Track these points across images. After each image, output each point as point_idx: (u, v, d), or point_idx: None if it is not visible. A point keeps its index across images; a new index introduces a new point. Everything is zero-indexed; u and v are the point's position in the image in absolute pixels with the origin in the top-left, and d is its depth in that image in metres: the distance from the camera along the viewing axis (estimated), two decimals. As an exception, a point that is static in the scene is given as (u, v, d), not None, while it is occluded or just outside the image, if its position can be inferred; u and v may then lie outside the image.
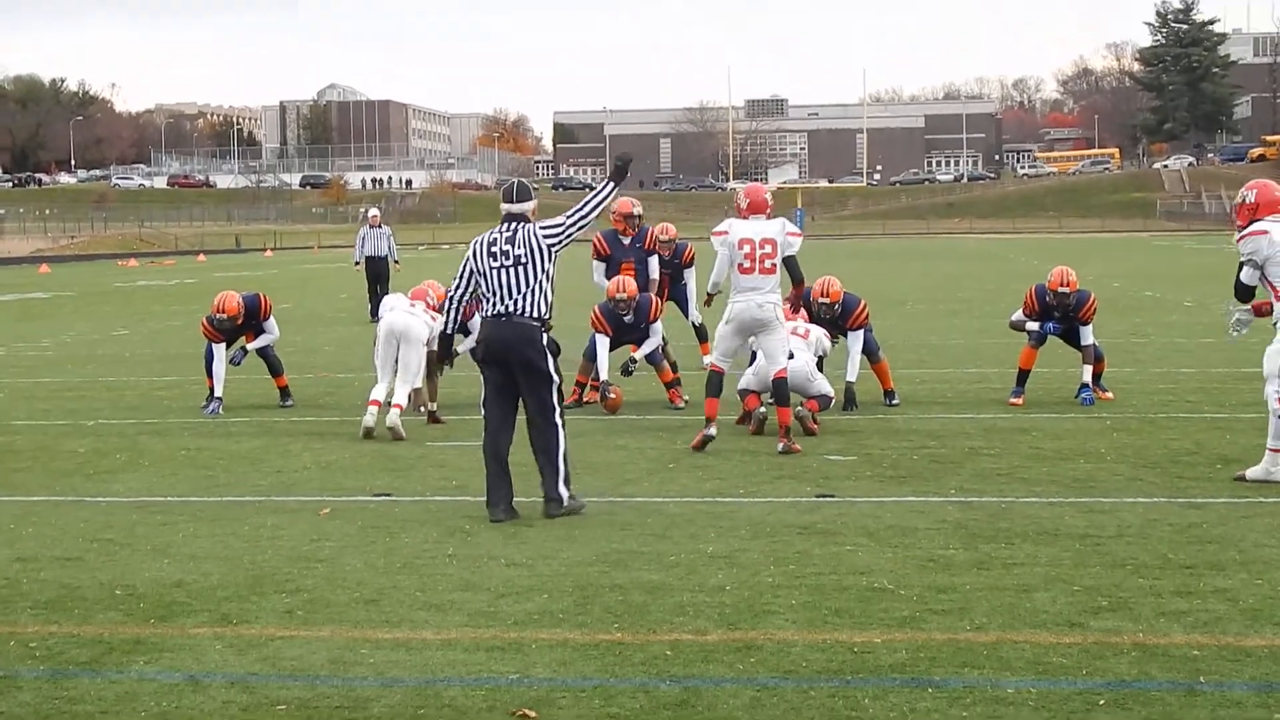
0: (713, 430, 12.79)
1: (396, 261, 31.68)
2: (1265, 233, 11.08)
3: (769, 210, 13.03)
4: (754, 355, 13.92)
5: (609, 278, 16.48)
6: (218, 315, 16.10)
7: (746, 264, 12.73)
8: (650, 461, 12.26)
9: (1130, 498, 10.46)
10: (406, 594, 8.00)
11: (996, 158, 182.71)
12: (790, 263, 13.04)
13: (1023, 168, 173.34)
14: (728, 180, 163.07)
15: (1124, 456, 12.17)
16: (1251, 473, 11.05)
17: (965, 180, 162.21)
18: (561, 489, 10.09)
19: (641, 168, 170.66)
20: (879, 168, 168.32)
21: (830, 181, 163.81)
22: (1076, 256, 58.15)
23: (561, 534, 9.49)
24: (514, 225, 10.28)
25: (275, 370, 16.66)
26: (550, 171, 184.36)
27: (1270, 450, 10.94)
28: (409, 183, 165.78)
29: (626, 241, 16.96)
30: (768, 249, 12.75)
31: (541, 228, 10.25)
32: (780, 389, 12.64)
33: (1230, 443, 12.82)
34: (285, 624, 7.44)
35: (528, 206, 10.36)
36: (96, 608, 7.85)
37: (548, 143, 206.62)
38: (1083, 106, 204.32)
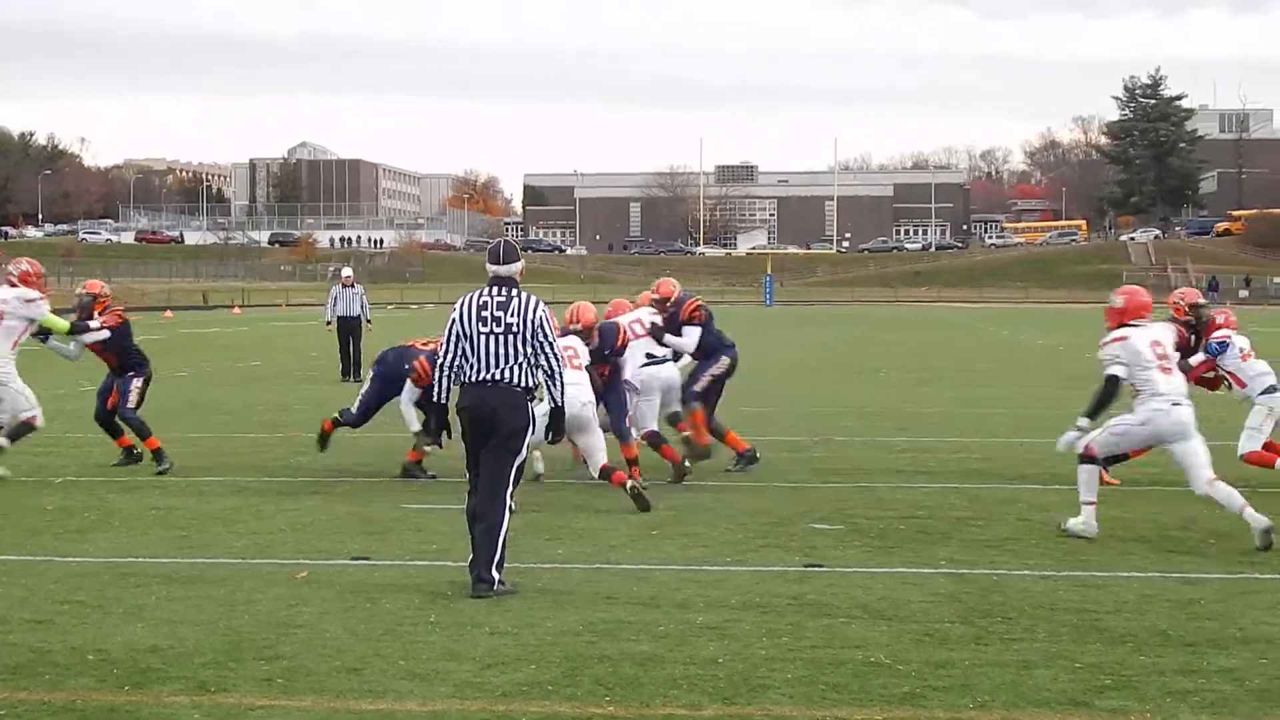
0: (687, 463, 14.25)
1: (369, 321, 31.48)
2: (1125, 338, 11.81)
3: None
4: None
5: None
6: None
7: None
8: (633, 528, 12.04)
9: (1124, 572, 10.28)
10: (389, 662, 7.75)
11: (964, 227, 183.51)
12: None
13: (990, 238, 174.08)
14: (697, 245, 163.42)
15: (1113, 530, 12.00)
16: (1071, 524, 11.73)
17: (933, 249, 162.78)
18: (494, 571, 9.52)
19: (611, 231, 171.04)
20: (848, 235, 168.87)
21: (808, 247, 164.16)
22: (1045, 327, 58.29)
23: (546, 601, 9.25)
24: (507, 290, 9.87)
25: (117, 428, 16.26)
26: (519, 233, 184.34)
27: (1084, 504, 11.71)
28: (378, 242, 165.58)
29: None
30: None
31: (541, 323, 9.83)
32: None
33: (1220, 517, 12.63)
34: (265, 692, 7.19)
35: (516, 268, 9.98)
36: (68, 673, 7.58)
37: (518, 204, 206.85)
38: (1050, 178, 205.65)
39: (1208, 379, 15.04)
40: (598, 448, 13.28)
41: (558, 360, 9.85)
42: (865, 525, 12.19)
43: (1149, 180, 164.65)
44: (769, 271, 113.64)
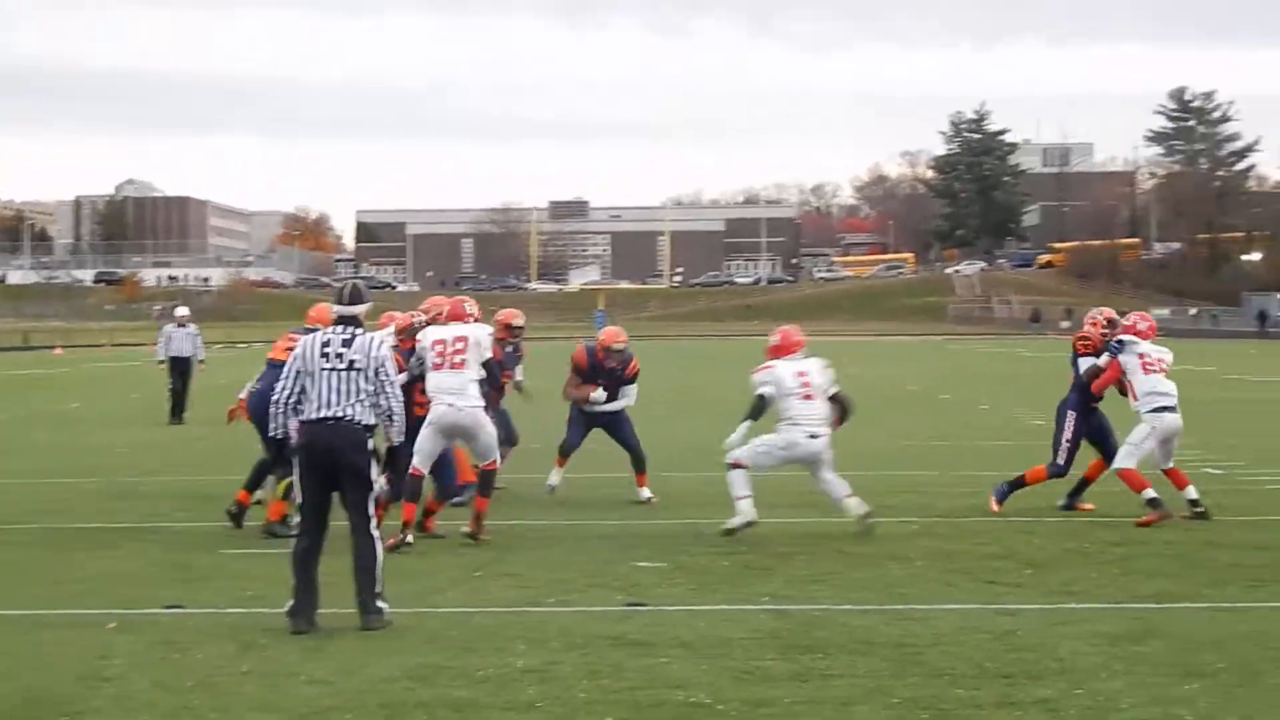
0: (409, 537, 12.84)
1: (201, 361, 30.82)
2: (772, 368, 13.85)
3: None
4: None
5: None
6: None
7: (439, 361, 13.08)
8: (457, 570, 11.89)
9: (943, 604, 10.36)
10: (199, 716, 7.55)
11: (795, 261, 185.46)
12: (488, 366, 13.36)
13: (820, 271, 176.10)
14: (529, 280, 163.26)
15: (934, 562, 12.11)
16: (730, 523, 13.23)
17: (764, 283, 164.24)
18: (379, 602, 9.72)
19: (444, 267, 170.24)
20: (680, 270, 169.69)
21: (644, 281, 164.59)
22: (872, 359, 58.97)
23: (365, 647, 9.08)
24: (350, 329, 10.02)
25: None
26: (352, 269, 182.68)
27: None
28: (206, 280, 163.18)
29: (509, 349, 16.79)
30: (459, 345, 13.08)
31: (384, 361, 9.97)
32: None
33: (1038, 547, 12.85)
34: (66, 750, 6.95)
35: (361, 309, 10.12)
36: None
37: (350, 241, 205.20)
38: (878, 212, 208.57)
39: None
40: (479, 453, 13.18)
41: (398, 401, 10.01)
42: (689, 562, 12.16)
43: (974, 213, 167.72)
44: (601, 307, 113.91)
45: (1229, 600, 10.49)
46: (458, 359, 13.00)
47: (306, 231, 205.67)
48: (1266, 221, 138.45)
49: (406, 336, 14.12)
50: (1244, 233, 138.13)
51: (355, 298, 10.12)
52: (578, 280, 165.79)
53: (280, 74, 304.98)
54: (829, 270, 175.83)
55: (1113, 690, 7.93)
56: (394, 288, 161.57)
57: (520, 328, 17.18)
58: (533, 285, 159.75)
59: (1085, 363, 15.13)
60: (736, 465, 13.49)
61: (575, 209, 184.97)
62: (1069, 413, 15.17)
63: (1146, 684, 8.07)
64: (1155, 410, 14.58)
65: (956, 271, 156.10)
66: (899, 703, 7.68)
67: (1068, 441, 15.03)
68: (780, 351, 14.04)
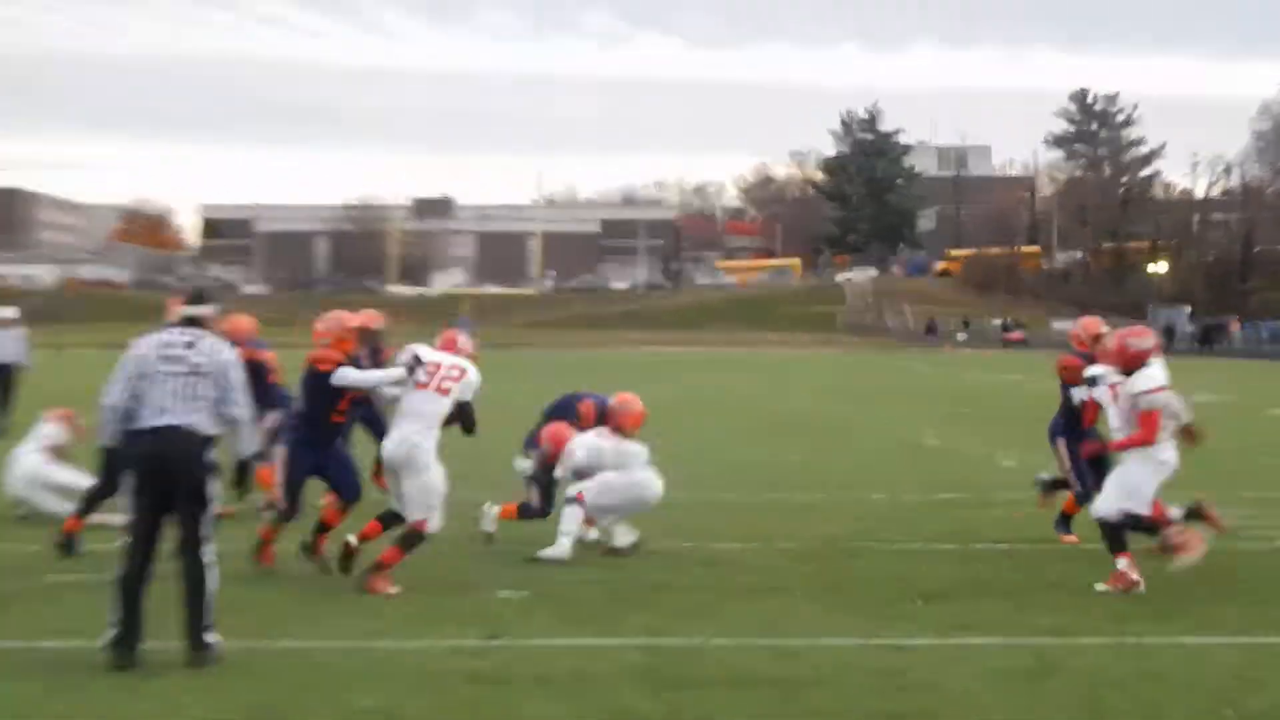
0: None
1: (27, 366, 30.15)
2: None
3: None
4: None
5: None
6: None
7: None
8: (299, 599, 11.66)
9: (827, 638, 10.30)
10: (2, 762, 7.29)
11: (675, 266, 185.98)
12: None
13: (702, 277, 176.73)
14: (388, 283, 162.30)
15: (816, 592, 12.05)
16: (545, 552, 13.38)
17: (642, 289, 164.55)
18: (209, 635, 9.47)
19: (296, 268, 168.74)
20: (552, 273, 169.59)
21: (518, 285, 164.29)
22: (755, 372, 59.20)
23: (193, 686, 8.83)
24: (194, 331, 9.92)
25: None
26: (195, 269, 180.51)
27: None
28: (34, 279, 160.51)
29: (363, 355, 16.31)
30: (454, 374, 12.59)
31: (229, 367, 9.85)
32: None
33: (928, 574, 12.84)
34: None
35: (208, 311, 10.10)
36: None
37: (193, 238, 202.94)
38: (764, 215, 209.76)
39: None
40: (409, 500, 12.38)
41: (244, 410, 9.88)
42: (555, 592, 12.01)
43: (865, 218, 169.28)
44: (464, 312, 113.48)
45: (1133, 634, 10.52)
46: (445, 384, 12.42)
47: (146, 227, 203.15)
48: (1172, 231, 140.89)
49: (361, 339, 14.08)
50: (1149, 242, 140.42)
51: (202, 298, 10.12)
52: (441, 283, 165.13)
53: (120, 57, 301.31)
54: (712, 276, 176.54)
55: (1008, 733, 7.89)
56: (238, 289, 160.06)
57: (379, 332, 17.11)
58: (392, 288, 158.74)
59: (1079, 394, 14.26)
60: (578, 500, 13.78)
61: (439, 207, 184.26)
62: (1058, 439, 14.81)
63: (1044, 726, 8.04)
64: None
65: (847, 279, 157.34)
66: (778, 747, 7.59)
67: (1069, 470, 14.69)
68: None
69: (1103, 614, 11.22)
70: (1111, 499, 12.38)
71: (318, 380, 12.65)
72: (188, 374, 9.70)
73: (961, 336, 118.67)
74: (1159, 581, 12.56)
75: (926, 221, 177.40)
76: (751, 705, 8.43)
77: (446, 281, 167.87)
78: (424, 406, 12.35)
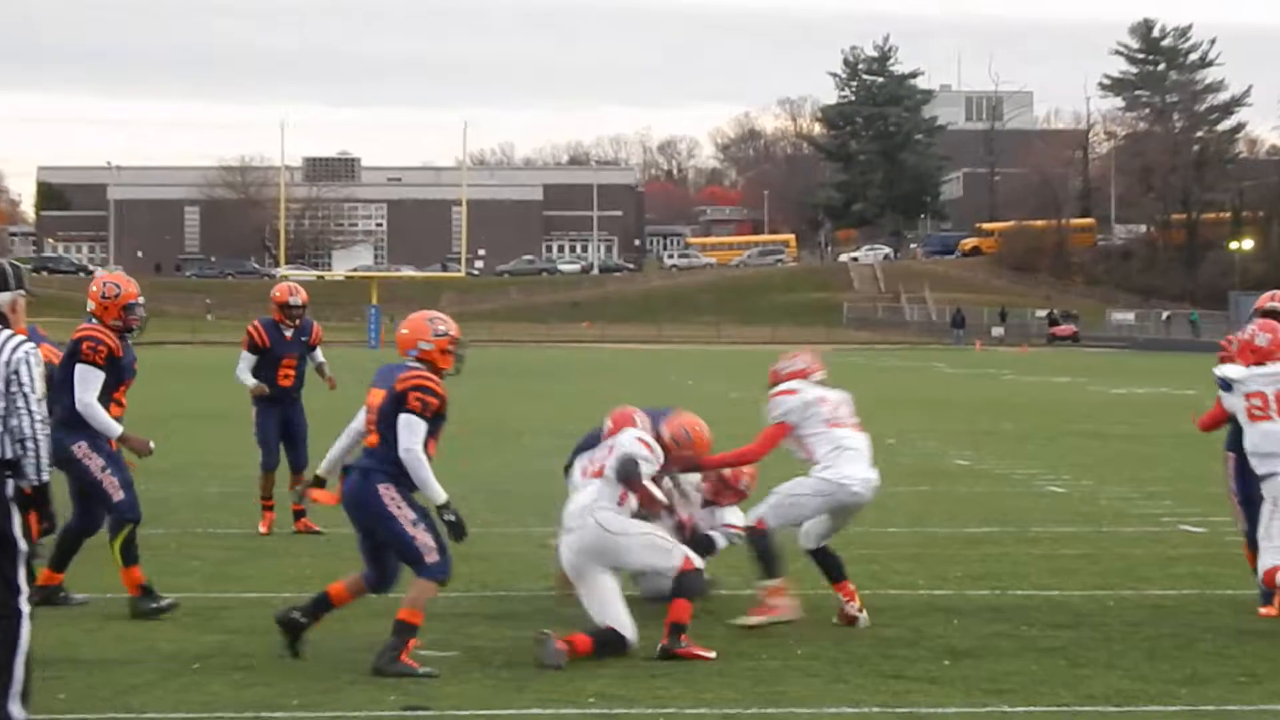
0: None
1: None
2: (794, 392, 13.61)
3: None
4: None
5: (261, 376, 18.72)
6: None
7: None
8: (165, 658, 11.69)
9: (832, 706, 10.38)
10: None
11: (638, 243, 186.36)
12: None
13: (671, 257, 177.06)
14: (278, 264, 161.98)
15: (821, 649, 12.13)
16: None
17: (596, 272, 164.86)
18: (13, 707, 9.28)
19: (160, 245, 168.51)
20: (482, 253, 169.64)
21: (443, 268, 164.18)
22: (740, 374, 59.33)
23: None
24: None
25: None
26: (32, 247, 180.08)
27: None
28: None
29: (289, 334, 18.86)
30: None
31: (19, 369, 9.46)
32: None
33: (959, 630, 12.92)
34: None
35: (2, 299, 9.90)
36: None
37: (29, 208, 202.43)
38: (749, 179, 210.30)
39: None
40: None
41: (38, 423, 9.44)
42: (489, 649, 12.06)
43: (876, 183, 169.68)
44: (375, 302, 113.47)
45: (1211, 702, 10.62)
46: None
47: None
48: (1260, 199, 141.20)
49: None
50: (1231, 213, 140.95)
51: None
52: (343, 265, 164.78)
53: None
54: (684, 255, 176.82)
55: (1058, 823, 7.97)
56: (90, 273, 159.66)
57: (301, 306, 18.92)
58: (281, 271, 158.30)
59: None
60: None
61: (340, 169, 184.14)
62: (1226, 454, 14.09)
63: (1102, 815, 8.12)
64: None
65: (854, 259, 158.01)
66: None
67: (1232, 493, 14.07)
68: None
69: (1175, 675, 11.30)
70: None
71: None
72: None
73: (997, 331, 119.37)
74: (1244, 634, 12.68)
75: (952, 187, 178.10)
76: (737, 790, 8.49)
77: (350, 262, 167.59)
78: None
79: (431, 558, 11.50)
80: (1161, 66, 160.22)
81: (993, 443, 30.94)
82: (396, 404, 11.72)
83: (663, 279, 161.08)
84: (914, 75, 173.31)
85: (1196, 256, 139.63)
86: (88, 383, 13.41)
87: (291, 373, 18.89)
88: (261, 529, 18.55)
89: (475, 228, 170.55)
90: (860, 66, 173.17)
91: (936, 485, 23.47)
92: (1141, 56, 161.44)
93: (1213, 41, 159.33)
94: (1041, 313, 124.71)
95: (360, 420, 12.58)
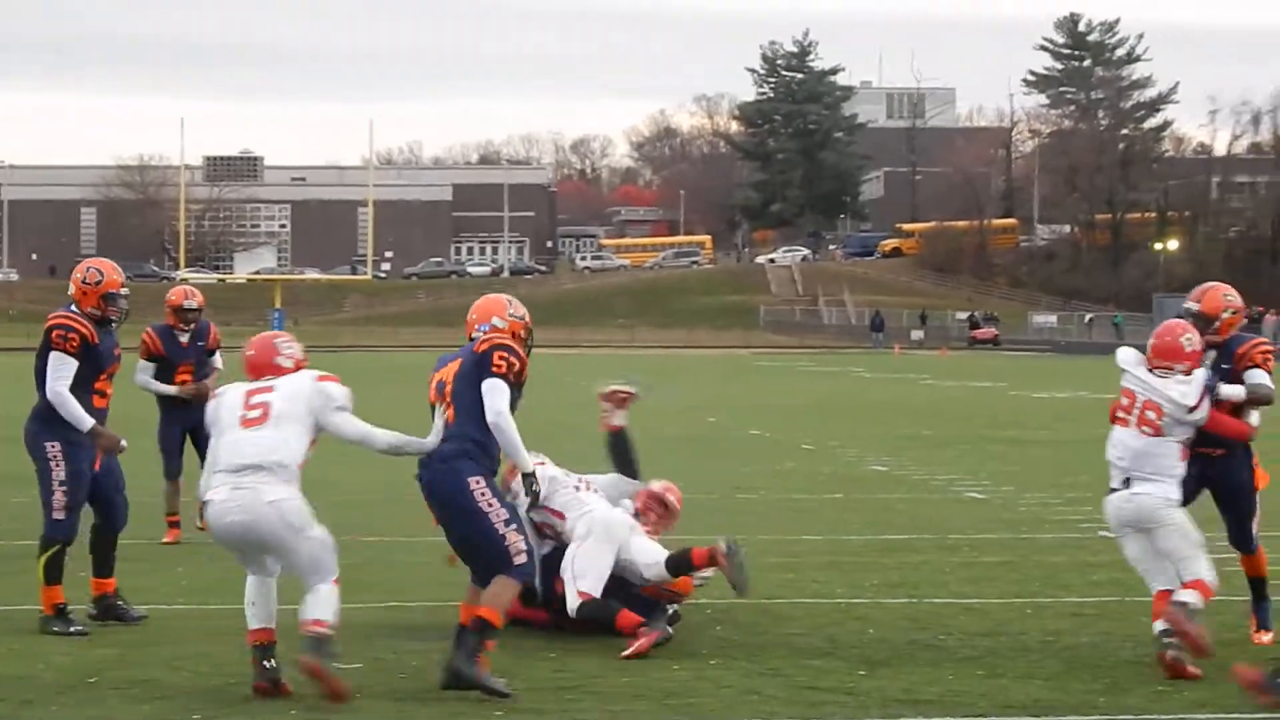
0: None
1: None
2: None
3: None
4: None
5: (162, 379, 18.60)
6: None
7: None
8: (61, 672, 11.65)
9: (746, 719, 10.42)
10: None
11: (550, 245, 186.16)
12: None
13: (584, 259, 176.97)
14: (178, 267, 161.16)
15: (733, 659, 12.17)
16: None
17: (507, 274, 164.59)
18: None
19: (55, 247, 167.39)
20: (389, 255, 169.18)
21: (354, 270, 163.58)
22: (656, 377, 59.34)
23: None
24: None
25: None
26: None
27: None
28: None
29: (185, 340, 18.69)
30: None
31: None
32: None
33: (875, 639, 12.99)
34: None
35: None
36: None
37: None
38: (664, 178, 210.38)
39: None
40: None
41: None
42: (395, 663, 12.06)
43: (795, 182, 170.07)
44: (278, 305, 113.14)
45: (1130, 711, 10.72)
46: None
47: None
48: (1185, 199, 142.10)
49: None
50: (1156, 213, 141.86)
51: None
52: (245, 268, 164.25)
53: None
54: (596, 257, 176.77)
55: (972, 836, 8.04)
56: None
57: (197, 310, 18.82)
58: (182, 274, 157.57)
59: (1256, 378, 12.54)
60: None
61: (242, 168, 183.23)
62: None
63: (1017, 826, 8.19)
64: None
65: (771, 261, 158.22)
66: None
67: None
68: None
69: (1093, 685, 11.39)
70: None
71: None
72: None
73: (917, 334, 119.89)
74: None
75: (873, 187, 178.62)
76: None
77: (252, 264, 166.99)
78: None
79: (520, 559, 11.40)
80: (1087, 62, 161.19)
81: (912, 448, 31.03)
82: (479, 368, 11.63)
83: (575, 281, 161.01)
84: (834, 72, 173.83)
85: (1121, 258, 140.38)
86: (59, 371, 13.32)
87: (189, 378, 18.67)
88: (167, 539, 18.54)
89: (382, 229, 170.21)
90: (779, 62, 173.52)
91: (853, 492, 23.55)
92: (1067, 52, 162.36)
93: (1140, 37, 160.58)
94: (963, 315, 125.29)
95: None
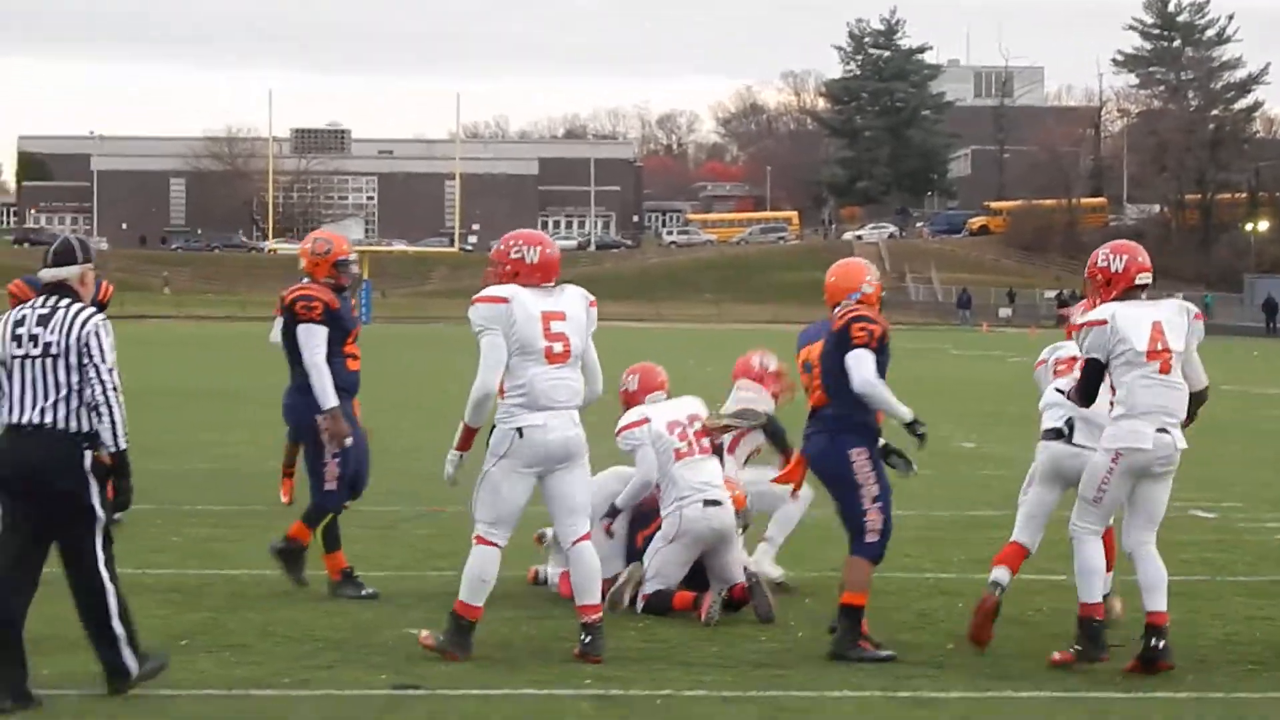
0: None
1: None
2: (646, 420, 13.44)
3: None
4: None
5: None
6: None
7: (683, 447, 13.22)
8: (152, 634, 11.68)
9: (834, 690, 10.47)
10: None
11: (636, 219, 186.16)
12: None
13: (670, 234, 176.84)
14: (266, 238, 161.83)
15: (823, 632, 12.14)
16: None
17: (593, 248, 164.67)
18: (127, 657, 9.93)
19: (144, 218, 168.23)
20: (476, 228, 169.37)
21: (421, 243, 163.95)
22: (740, 354, 59.32)
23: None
24: (54, 300, 10.05)
25: None
26: (12, 219, 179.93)
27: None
28: None
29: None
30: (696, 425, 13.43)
31: (89, 341, 9.88)
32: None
33: (962, 613, 12.97)
34: None
35: (68, 273, 10.14)
36: None
37: (10, 177, 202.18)
38: (750, 154, 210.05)
39: None
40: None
41: (112, 391, 9.85)
42: (483, 630, 12.05)
43: (882, 160, 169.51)
44: (365, 276, 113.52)
45: (1218, 689, 10.71)
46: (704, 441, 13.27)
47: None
48: (1277, 180, 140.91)
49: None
50: (1246, 194, 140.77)
51: (63, 257, 10.16)
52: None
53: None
54: (683, 232, 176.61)
55: (1062, 809, 8.03)
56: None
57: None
58: (270, 245, 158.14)
59: None
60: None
61: (330, 141, 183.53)
62: None
63: (1108, 802, 8.18)
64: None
65: (858, 238, 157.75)
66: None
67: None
68: (640, 395, 14.06)
69: (1181, 663, 11.33)
70: None
71: None
72: (41, 356, 9.88)
73: (1004, 312, 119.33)
74: (1253, 620, 12.77)
75: (960, 165, 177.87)
76: (736, 773, 8.56)
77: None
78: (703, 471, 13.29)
79: (873, 537, 11.73)
80: (1177, 43, 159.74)
81: (999, 425, 30.98)
82: (840, 344, 11.94)
83: (661, 256, 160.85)
84: (921, 50, 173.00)
85: (1211, 238, 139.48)
86: (312, 341, 13.43)
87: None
88: (284, 498, 18.74)
89: (469, 202, 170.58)
90: (866, 40, 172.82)
91: (941, 469, 23.53)
92: (1156, 32, 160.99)
93: (1230, 17, 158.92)
94: (1050, 293, 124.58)
95: None
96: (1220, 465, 23.94)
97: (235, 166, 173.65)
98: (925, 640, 12.03)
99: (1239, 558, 16.19)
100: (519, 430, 11.16)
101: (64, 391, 9.81)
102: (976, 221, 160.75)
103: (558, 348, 11.33)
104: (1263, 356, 70.07)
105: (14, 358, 9.88)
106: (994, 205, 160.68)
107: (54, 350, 9.82)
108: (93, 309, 10.06)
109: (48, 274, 10.16)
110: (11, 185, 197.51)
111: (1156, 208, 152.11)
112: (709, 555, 13.02)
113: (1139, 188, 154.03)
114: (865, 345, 11.77)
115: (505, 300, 11.13)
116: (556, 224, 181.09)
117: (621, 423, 13.40)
